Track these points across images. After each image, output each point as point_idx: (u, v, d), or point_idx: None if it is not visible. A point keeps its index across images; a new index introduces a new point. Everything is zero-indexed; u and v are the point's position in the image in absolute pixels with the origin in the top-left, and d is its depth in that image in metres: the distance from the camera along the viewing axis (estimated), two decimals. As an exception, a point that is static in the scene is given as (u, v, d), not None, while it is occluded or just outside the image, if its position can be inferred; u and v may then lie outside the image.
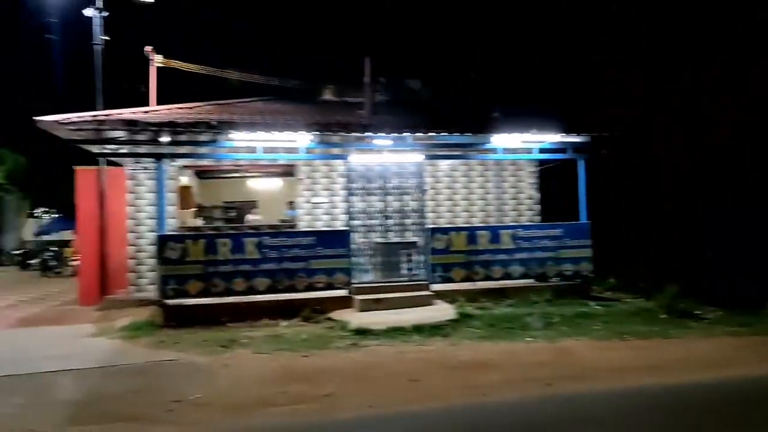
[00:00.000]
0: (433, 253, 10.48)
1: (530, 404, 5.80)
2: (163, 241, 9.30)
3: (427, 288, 10.42)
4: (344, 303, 9.90)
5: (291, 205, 16.88)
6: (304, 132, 10.50)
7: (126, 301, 11.76)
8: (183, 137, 11.24)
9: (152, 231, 12.62)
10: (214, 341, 8.33)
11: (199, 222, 15.13)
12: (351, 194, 10.31)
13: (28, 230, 32.14)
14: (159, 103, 13.71)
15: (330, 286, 9.95)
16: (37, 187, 28.88)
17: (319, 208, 13.36)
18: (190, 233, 10.45)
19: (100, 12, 13.97)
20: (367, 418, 5.42)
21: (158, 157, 10.03)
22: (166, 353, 7.85)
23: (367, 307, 9.60)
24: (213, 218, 18.76)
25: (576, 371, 6.84)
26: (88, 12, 14.18)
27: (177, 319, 9.26)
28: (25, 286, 18.20)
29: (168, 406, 5.79)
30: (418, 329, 8.59)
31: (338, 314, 9.58)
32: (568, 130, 11.50)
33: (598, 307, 10.14)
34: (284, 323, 9.39)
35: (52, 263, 22.42)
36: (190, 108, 13.10)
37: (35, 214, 32.62)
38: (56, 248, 24.09)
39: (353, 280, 10.10)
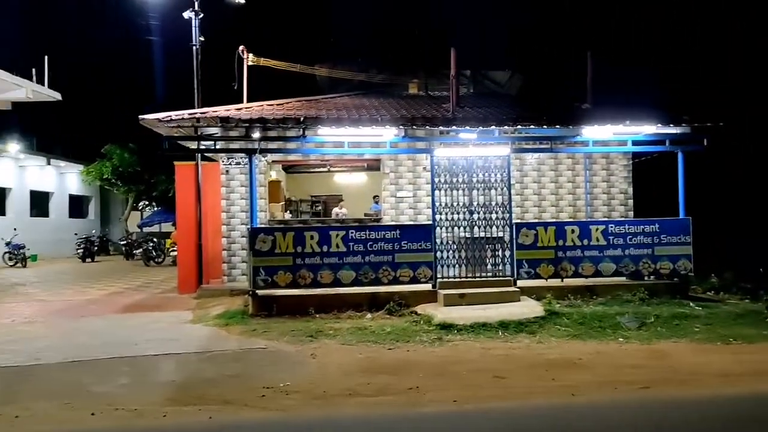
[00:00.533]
0: (519, 249, 10.27)
1: (624, 407, 5.57)
2: (254, 234, 9.62)
3: (512, 284, 10.24)
4: (428, 297, 9.89)
5: (376, 199, 17.06)
6: (390, 126, 10.56)
7: (220, 290, 12.29)
8: (272, 133, 11.61)
9: (244, 224, 13.13)
10: (302, 331, 8.55)
11: (287, 215, 15.58)
12: (436, 188, 10.25)
13: (133, 222, 34.16)
14: (251, 100, 14.16)
15: (414, 280, 9.97)
16: (140, 181, 30.58)
17: (404, 202, 13.43)
18: (280, 226, 10.76)
19: (197, 14, 14.61)
20: (451, 414, 5.39)
21: (249, 152, 10.37)
22: (257, 341, 8.14)
23: (452, 301, 9.54)
24: (300, 212, 19.29)
25: (674, 375, 6.51)
26: (187, 14, 14.87)
27: (267, 308, 9.57)
28: (130, 275, 19.36)
29: (259, 392, 5.99)
30: (504, 325, 8.46)
31: (422, 308, 9.59)
32: (666, 121, 10.95)
33: (698, 307, 9.60)
34: (369, 315, 9.51)
35: (154, 253, 23.70)
36: (280, 104, 13.48)
37: (139, 207, 34.63)
38: (157, 239, 25.45)
39: (438, 275, 10.07)
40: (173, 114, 12.01)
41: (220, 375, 6.74)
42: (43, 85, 15.32)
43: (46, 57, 15.42)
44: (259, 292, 9.65)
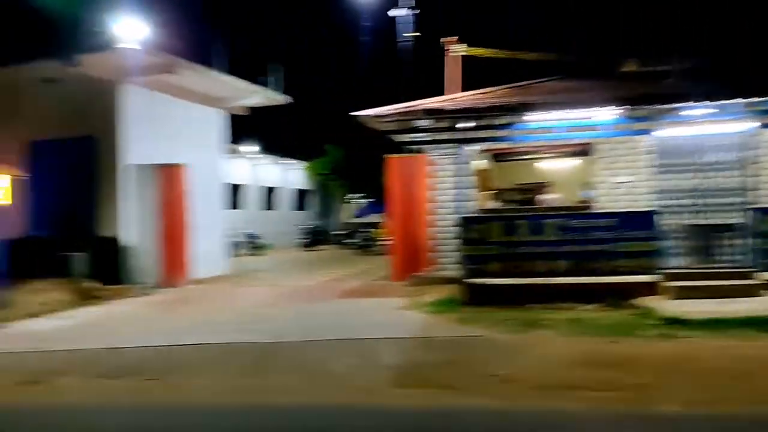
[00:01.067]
0: (763, 237, 9.12)
1: None
2: (465, 223, 9.77)
3: (752, 276, 9.13)
4: (649, 289, 9.22)
5: (587, 185, 16.28)
6: (605, 108, 10.02)
7: (430, 278, 12.67)
8: (481, 122, 11.65)
9: (452, 213, 13.37)
10: (516, 321, 8.50)
11: (496, 204, 15.55)
12: (659, 171, 9.50)
13: (347, 214, 36.68)
14: (455, 91, 14.35)
15: (633, 271, 9.36)
16: (352, 175, 32.76)
17: (619, 188, 12.64)
18: (491, 215, 10.79)
19: (411, 9, 15.12)
20: (690, 415, 5.00)
21: (458, 142, 10.52)
22: (471, 329, 8.26)
23: (678, 294, 8.80)
24: (506, 200, 19.12)
25: None
26: (393, 12, 15.54)
27: (478, 297, 9.66)
28: (346, 263, 20.80)
29: (481, 379, 6.09)
30: (745, 322, 7.60)
31: (642, 301, 8.99)
32: None
33: None
34: (584, 307, 9.14)
35: (366, 243, 25.20)
36: (486, 93, 13.46)
37: (351, 200, 37.07)
38: (368, 230, 27.00)
39: (661, 265, 9.35)
40: (384, 109, 12.64)
41: (438, 360, 6.98)
42: (279, 90, 17.08)
43: (282, 66, 17.13)
44: (470, 280, 9.77)
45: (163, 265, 13.72)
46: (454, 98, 13.23)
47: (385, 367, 6.83)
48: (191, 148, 15.46)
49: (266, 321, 9.61)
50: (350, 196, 36.42)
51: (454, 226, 13.28)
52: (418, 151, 14.31)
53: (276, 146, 34.12)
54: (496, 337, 7.81)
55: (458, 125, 10.93)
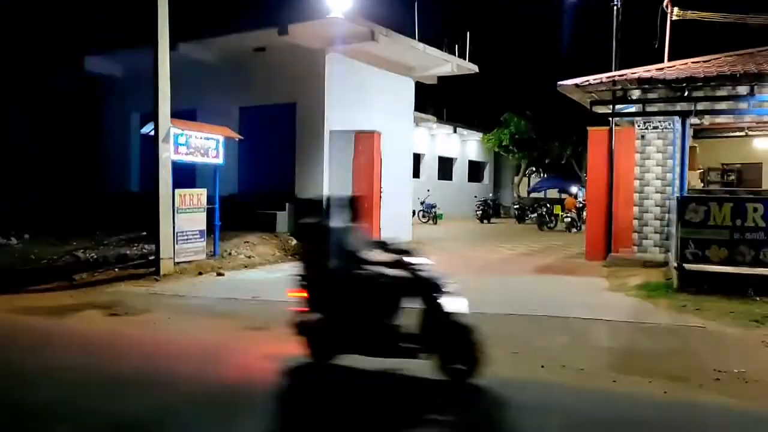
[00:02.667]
0: None
1: None
2: (684, 203, 8.90)
3: None
4: None
5: None
6: None
7: (630, 260, 11.86)
8: (701, 93, 10.52)
9: (659, 192, 12.35)
10: (743, 314, 7.62)
11: (701, 184, 14.16)
12: None
13: (522, 188, 35.77)
14: (673, 58, 13.10)
15: None
16: (534, 148, 31.78)
17: None
18: (715, 196, 9.75)
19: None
20: None
21: (682, 114, 9.55)
22: (691, 318, 7.54)
23: None
24: (709, 181, 17.33)
25: None
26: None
27: (694, 284, 8.81)
28: (528, 238, 20.25)
29: (711, 374, 5.50)
30: None
31: None
32: None
33: None
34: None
35: (547, 218, 24.33)
36: (707, 61, 12.14)
37: (527, 174, 36.05)
38: (547, 205, 26.02)
39: None
40: (591, 78, 11.89)
41: (659, 349, 6.45)
42: (464, 59, 16.85)
43: (468, 33, 16.89)
44: (687, 266, 8.93)
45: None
46: (671, 66, 12.06)
47: (600, 350, 6.45)
48: (384, 116, 15.80)
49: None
50: (528, 169, 35.36)
51: (658, 206, 12.35)
52: (624, 124, 13.37)
53: (454, 116, 34.05)
54: (722, 330, 7.05)
55: (676, 96, 9.92)
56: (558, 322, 7.51)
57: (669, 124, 12.18)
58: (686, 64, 12.18)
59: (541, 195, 35.61)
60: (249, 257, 12.19)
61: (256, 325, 7.39)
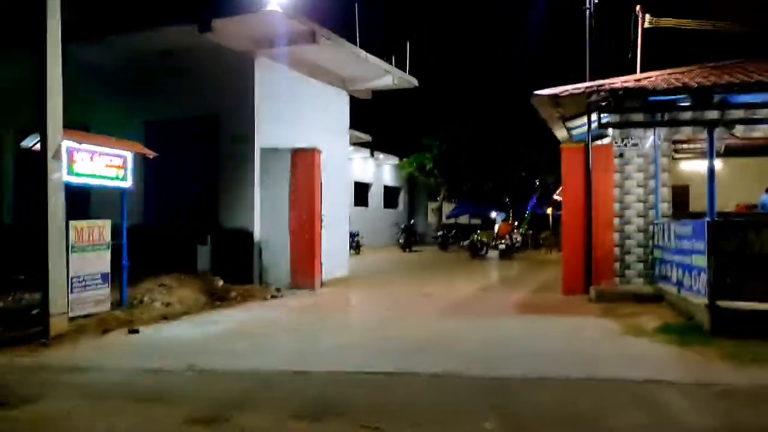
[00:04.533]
0: None
1: None
2: (718, 229, 7.51)
3: None
4: None
5: None
6: None
7: (617, 293, 10.45)
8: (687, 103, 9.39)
9: (640, 216, 11.14)
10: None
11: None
12: None
13: (439, 213, 34.63)
14: (643, 69, 12.06)
15: None
16: (457, 174, 30.82)
17: None
18: (751, 220, 8.46)
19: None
20: None
21: (709, 125, 8.19)
22: (764, 374, 6.04)
23: None
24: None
25: None
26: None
27: (731, 325, 7.39)
28: (469, 269, 18.74)
29: None
30: None
31: None
32: None
33: None
34: None
35: (478, 246, 22.99)
36: (682, 73, 11.17)
37: (444, 199, 35.01)
38: (479, 231, 24.78)
39: None
40: (570, 88, 10.53)
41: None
42: (404, 71, 15.18)
43: (408, 42, 15.26)
44: (722, 304, 7.51)
45: (295, 264, 12.02)
46: (648, 77, 10.96)
47: (698, 430, 4.72)
48: (320, 133, 13.76)
49: (453, 341, 7.66)
50: (446, 195, 34.29)
51: (641, 231, 11.12)
52: (592, 140, 12.12)
53: (373, 140, 32.44)
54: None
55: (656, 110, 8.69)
56: (610, 387, 5.74)
57: (651, 140, 11.03)
58: (663, 74, 11.15)
59: (451, 221, 34.73)
60: (167, 305, 9.64)
61: (203, 413, 5.06)
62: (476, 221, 36.80)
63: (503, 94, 29.00)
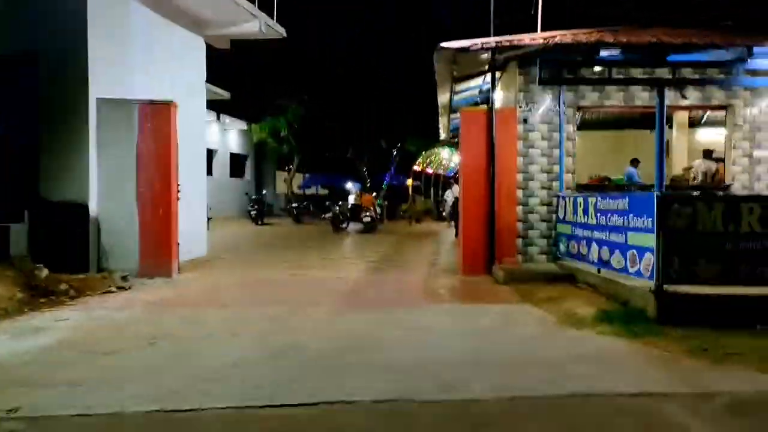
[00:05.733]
0: None
1: None
2: (665, 204, 6.62)
3: None
4: None
5: (634, 163, 13.83)
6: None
7: (525, 273, 9.49)
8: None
9: (544, 188, 10.28)
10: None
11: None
12: None
13: (292, 183, 32.69)
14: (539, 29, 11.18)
15: None
16: (311, 140, 28.85)
17: (762, 164, 10.08)
18: (703, 195, 7.69)
19: None
20: None
21: (660, 85, 7.19)
22: (742, 373, 5.19)
23: None
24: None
25: None
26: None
27: (679, 313, 6.61)
28: (337, 243, 17.24)
29: None
30: None
31: None
32: None
33: None
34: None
35: (341, 219, 21.51)
36: (590, 33, 10.39)
37: (287, 169, 33.07)
38: (340, 203, 23.30)
39: None
40: (480, 41, 9.25)
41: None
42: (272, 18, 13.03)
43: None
44: (671, 288, 6.68)
45: (145, 245, 9.64)
46: (552, 36, 10.01)
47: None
48: (171, 85, 11.29)
49: (374, 346, 6.06)
50: (298, 164, 32.31)
51: (545, 204, 10.28)
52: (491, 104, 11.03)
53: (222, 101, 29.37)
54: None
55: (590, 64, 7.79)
56: (605, 407, 4.51)
57: (555, 105, 10.15)
58: (565, 35, 10.29)
59: (312, 191, 33.07)
60: (-33, 306, 6.96)
61: None
62: (324, 192, 35.44)
63: (369, 59, 27.44)
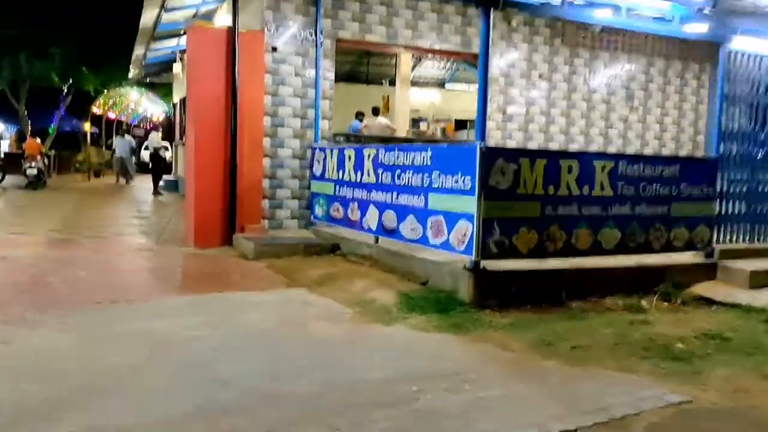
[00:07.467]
0: None
1: None
2: (489, 159, 5.22)
3: None
4: (700, 273, 6.45)
5: (359, 116, 13.01)
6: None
7: (282, 245, 7.45)
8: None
9: (297, 137, 8.33)
10: (631, 344, 4.68)
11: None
12: (728, 103, 6.64)
13: None
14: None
15: (688, 245, 6.45)
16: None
17: (513, 121, 9.63)
18: (528, 149, 6.32)
19: None
20: None
21: (487, 4, 5.50)
22: (635, 378, 4.08)
23: (754, 281, 6.26)
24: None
25: None
26: None
27: (499, 292, 5.38)
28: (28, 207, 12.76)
29: None
30: None
31: (706, 290, 6.20)
32: None
33: None
34: (644, 303, 5.86)
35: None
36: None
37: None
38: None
39: (721, 238, 6.68)
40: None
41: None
42: None
43: None
44: (489, 264, 5.38)
45: None
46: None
47: None
48: None
49: (125, 380, 3.43)
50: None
51: (297, 158, 8.36)
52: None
53: None
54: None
55: None
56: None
57: (310, 33, 8.17)
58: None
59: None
60: None
61: None
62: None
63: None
